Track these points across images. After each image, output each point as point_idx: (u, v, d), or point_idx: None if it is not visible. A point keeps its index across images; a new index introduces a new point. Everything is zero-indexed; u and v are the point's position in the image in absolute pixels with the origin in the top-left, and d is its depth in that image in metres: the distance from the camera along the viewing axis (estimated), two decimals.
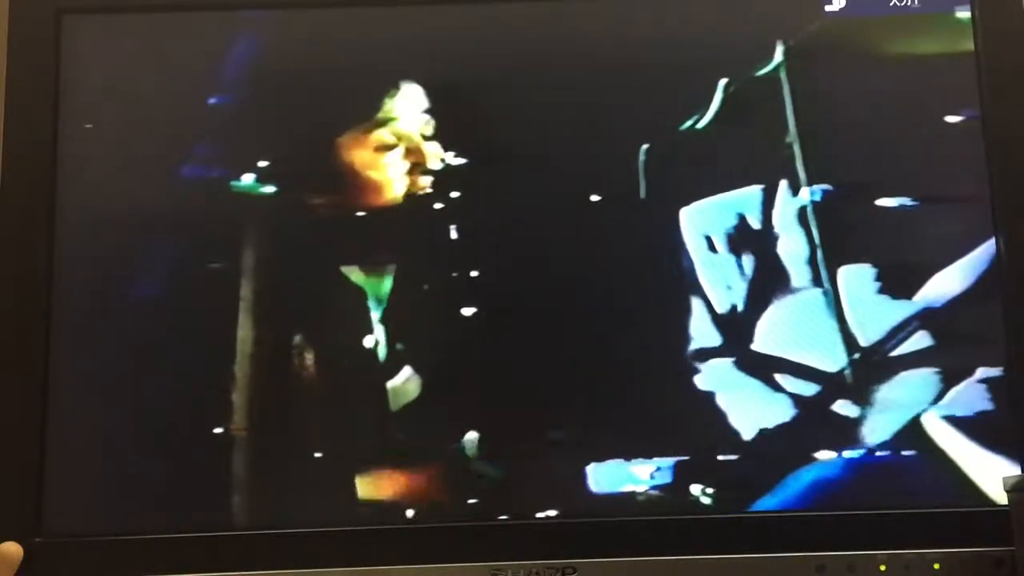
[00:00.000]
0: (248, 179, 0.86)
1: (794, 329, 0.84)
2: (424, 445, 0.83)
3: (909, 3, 0.88)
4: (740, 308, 0.84)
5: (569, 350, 0.84)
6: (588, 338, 0.84)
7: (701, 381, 0.83)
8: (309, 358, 0.84)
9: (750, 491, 0.81)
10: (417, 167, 0.86)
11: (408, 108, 0.87)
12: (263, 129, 0.88)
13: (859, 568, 0.78)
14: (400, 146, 0.87)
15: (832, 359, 0.83)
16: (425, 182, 0.86)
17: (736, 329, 0.84)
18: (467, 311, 0.84)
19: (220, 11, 0.89)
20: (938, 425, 0.82)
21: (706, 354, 0.83)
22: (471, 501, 0.82)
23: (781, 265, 0.85)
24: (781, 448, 0.82)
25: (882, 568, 0.78)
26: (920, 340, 0.83)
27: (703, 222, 0.85)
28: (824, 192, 0.85)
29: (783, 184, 0.85)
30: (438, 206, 0.86)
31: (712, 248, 0.85)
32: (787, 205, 0.85)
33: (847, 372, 0.83)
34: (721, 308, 0.84)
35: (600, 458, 0.82)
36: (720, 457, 0.82)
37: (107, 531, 0.81)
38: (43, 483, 0.81)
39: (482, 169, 0.86)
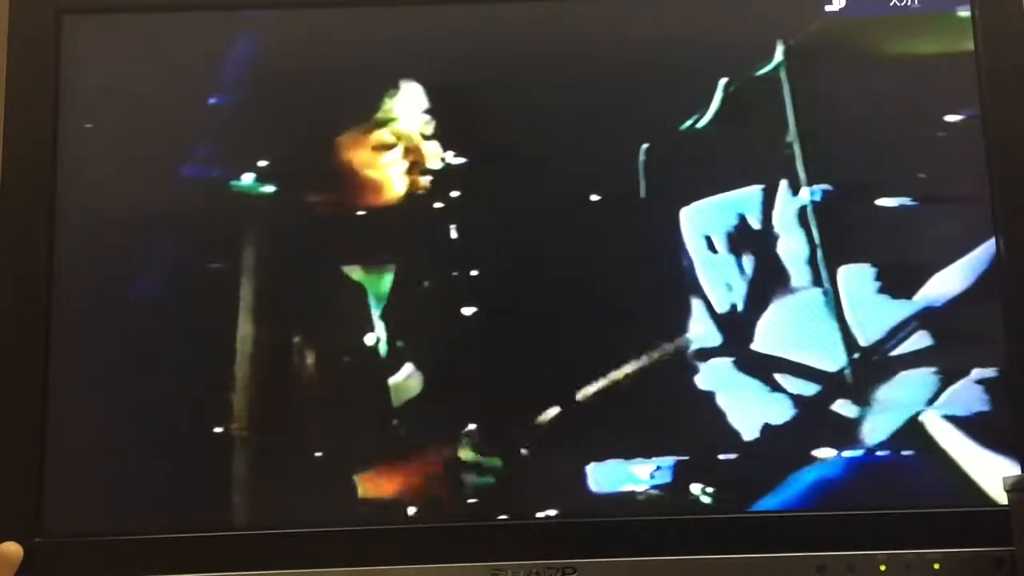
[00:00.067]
0: (248, 179, 0.86)
1: (794, 329, 0.84)
2: (424, 445, 0.83)
3: (909, 3, 0.88)
4: (740, 308, 0.84)
5: (569, 350, 0.84)
6: (588, 338, 0.84)
7: (701, 381, 0.83)
8: (309, 357, 0.84)
9: (750, 491, 0.81)
10: (417, 167, 0.86)
11: (408, 108, 0.87)
12: (263, 129, 0.88)
13: (859, 568, 0.78)
14: (400, 146, 0.87)
15: (832, 359, 0.83)
16: (425, 182, 0.86)
17: (736, 329, 0.84)
18: (467, 310, 0.84)
19: (220, 11, 0.89)
20: (938, 425, 0.82)
21: (706, 354, 0.83)
22: (471, 501, 0.82)
23: (781, 265, 0.85)
24: (781, 448, 0.82)
25: (882, 568, 0.78)
26: (920, 340, 0.83)
27: (703, 222, 0.85)
28: (824, 192, 0.85)
29: (783, 184, 0.85)
30: (438, 206, 0.86)
31: (712, 248, 0.85)
32: (787, 205, 0.85)
33: (847, 372, 0.83)
34: (721, 308, 0.84)
35: (600, 458, 0.82)
36: (720, 457, 0.82)
37: (107, 531, 0.81)
38: (43, 483, 0.81)
39: (482, 169, 0.86)
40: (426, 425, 0.83)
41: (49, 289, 0.84)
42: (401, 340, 0.84)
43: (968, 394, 0.82)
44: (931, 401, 0.82)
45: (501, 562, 0.79)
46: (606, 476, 0.82)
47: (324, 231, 0.86)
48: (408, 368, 0.83)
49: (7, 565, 0.78)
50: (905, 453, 0.82)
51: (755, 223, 0.85)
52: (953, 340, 0.83)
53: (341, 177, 0.86)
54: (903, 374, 0.83)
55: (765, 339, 0.84)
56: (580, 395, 0.83)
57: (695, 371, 0.83)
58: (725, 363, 0.83)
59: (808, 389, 0.83)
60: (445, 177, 0.86)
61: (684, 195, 0.85)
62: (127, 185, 0.87)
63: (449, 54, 0.88)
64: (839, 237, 0.85)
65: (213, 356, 0.83)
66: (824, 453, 0.82)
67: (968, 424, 0.82)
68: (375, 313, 0.84)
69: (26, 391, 0.82)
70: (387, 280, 0.85)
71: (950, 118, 0.86)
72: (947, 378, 0.82)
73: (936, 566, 0.78)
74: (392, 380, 0.83)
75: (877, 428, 0.82)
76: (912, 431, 0.82)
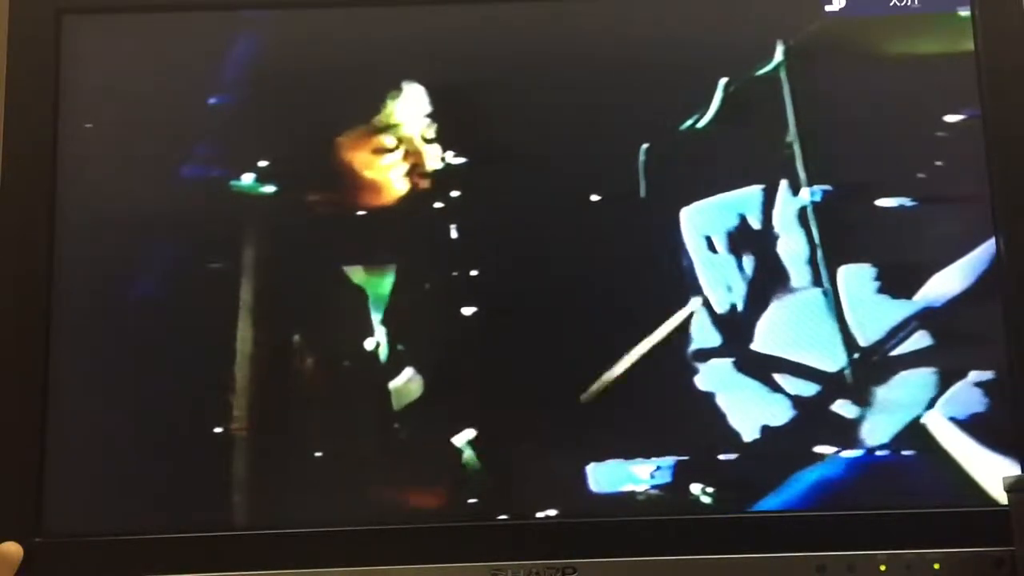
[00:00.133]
0: (248, 179, 0.86)
1: (794, 329, 0.84)
2: (424, 444, 0.83)
3: (909, 3, 0.88)
4: (740, 308, 0.84)
5: (569, 350, 0.84)
6: (588, 338, 0.84)
7: (701, 381, 0.83)
8: (309, 358, 0.84)
9: (750, 491, 0.81)
10: (417, 167, 0.86)
11: (408, 108, 0.87)
12: (263, 129, 0.88)
13: (859, 568, 0.78)
14: (400, 146, 0.87)
15: (832, 359, 0.83)
16: (425, 182, 0.86)
17: (736, 329, 0.84)
18: (467, 311, 0.84)
19: (220, 11, 0.89)
20: (938, 425, 0.82)
21: (706, 354, 0.83)
22: (471, 501, 0.82)
23: (781, 265, 0.85)
24: (781, 448, 0.82)
25: (882, 568, 0.78)
26: (920, 340, 0.83)
27: (703, 222, 0.85)
28: (824, 192, 0.85)
29: (783, 184, 0.85)
30: (438, 206, 0.86)
31: (712, 248, 0.85)
32: (787, 205, 0.85)
33: (847, 372, 0.83)
34: (721, 308, 0.84)
35: (600, 458, 0.82)
36: (720, 457, 0.82)
37: (107, 531, 0.81)
38: (43, 483, 0.81)
39: (482, 169, 0.86)
40: (426, 425, 0.83)
41: (49, 289, 0.84)
42: (401, 339, 0.84)
43: (968, 394, 0.82)
44: (931, 401, 0.82)
45: (501, 562, 0.79)
46: (606, 476, 0.82)
47: (324, 231, 0.86)
48: (409, 371, 0.83)
49: (7, 565, 0.78)
50: (905, 453, 0.82)
51: (755, 223, 0.85)
52: (953, 340, 0.83)
53: (341, 177, 0.86)
54: (903, 374, 0.83)
55: (765, 339, 0.84)
56: (580, 395, 0.83)
57: (695, 371, 0.83)
58: (725, 363, 0.83)
59: (808, 389, 0.83)
60: (445, 177, 0.86)
61: (684, 195, 0.85)
62: (127, 185, 0.87)
63: (449, 54, 0.88)
64: (839, 237, 0.85)
65: (213, 356, 0.83)
66: (824, 453, 0.82)
67: (968, 424, 0.82)
68: (375, 317, 0.84)
69: (26, 391, 0.82)
70: (387, 282, 0.85)
71: (950, 118, 0.86)
72: (947, 378, 0.82)
73: (936, 566, 0.78)
74: (392, 383, 0.83)
75: (877, 428, 0.82)
76: (912, 431, 0.82)
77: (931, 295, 0.84)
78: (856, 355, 0.83)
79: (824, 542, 0.79)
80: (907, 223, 0.85)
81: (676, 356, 0.83)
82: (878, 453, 0.82)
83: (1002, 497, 0.78)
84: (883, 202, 0.85)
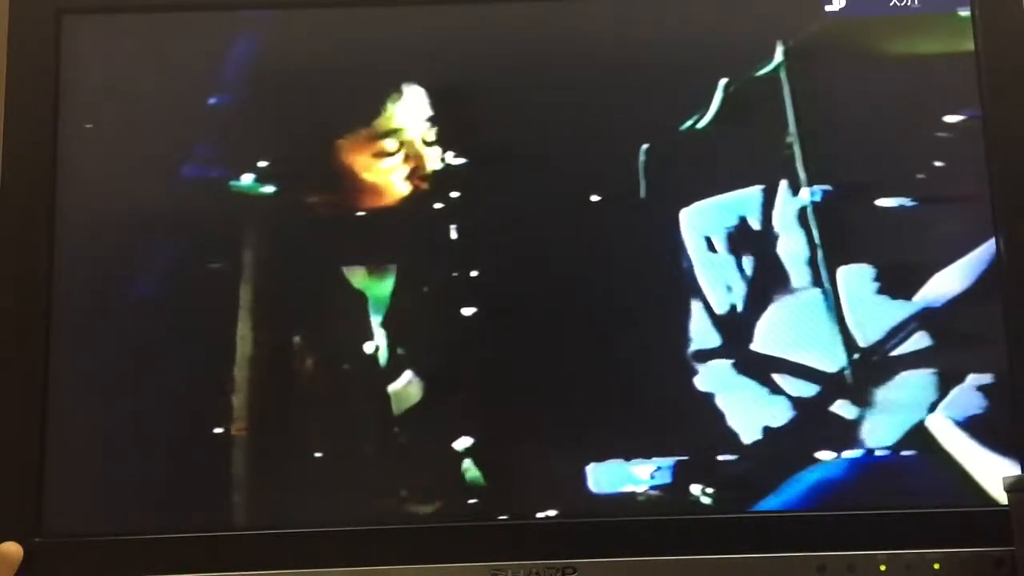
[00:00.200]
0: (248, 179, 0.86)
1: (794, 329, 0.84)
2: (424, 444, 0.83)
3: (909, 3, 0.88)
4: (740, 308, 0.84)
5: (569, 350, 0.84)
6: (588, 338, 0.84)
7: (701, 381, 0.83)
8: (309, 358, 0.84)
9: (750, 491, 0.81)
10: (417, 167, 0.86)
11: (408, 108, 0.87)
12: (263, 129, 0.88)
13: (859, 568, 0.78)
14: (400, 146, 0.87)
15: (832, 359, 0.83)
16: (425, 182, 0.86)
17: (736, 329, 0.84)
18: (467, 311, 0.84)
19: (220, 11, 0.89)
20: (938, 425, 0.82)
21: (706, 355, 0.83)
22: (471, 501, 0.82)
23: (781, 265, 0.85)
24: (781, 448, 0.82)
25: (882, 568, 0.78)
26: (920, 340, 0.83)
27: (703, 222, 0.85)
28: (824, 192, 0.85)
29: (783, 184, 0.85)
30: (438, 206, 0.86)
31: (712, 248, 0.85)
32: (787, 205, 0.85)
33: (847, 372, 0.83)
34: (721, 309, 0.84)
35: (600, 458, 0.82)
36: (720, 457, 0.82)
37: (107, 531, 0.81)
38: (43, 483, 0.81)
39: (482, 169, 0.86)
40: (426, 425, 0.83)
41: (49, 289, 0.84)
42: (401, 340, 0.84)
43: (968, 394, 0.82)
44: (930, 401, 0.82)
45: (501, 562, 0.79)
46: (606, 476, 0.82)
47: (324, 232, 0.86)
48: (408, 372, 0.83)
49: (7, 565, 0.78)
50: (905, 453, 0.82)
51: (755, 223, 0.85)
52: (953, 340, 0.83)
53: (341, 178, 0.86)
54: (903, 375, 0.83)
55: (765, 340, 0.84)
56: (580, 395, 0.83)
57: (695, 372, 0.83)
58: (725, 364, 0.83)
59: (808, 390, 0.83)
60: (445, 177, 0.86)
61: (684, 195, 0.85)
62: (127, 185, 0.87)
63: (449, 54, 0.88)
64: (839, 237, 0.85)
65: (213, 356, 0.83)
66: (824, 453, 0.82)
67: (968, 424, 0.82)
68: (375, 320, 0.84)
69: (26, 391, 0.82)
70: (387, 283, 0.85)
71: (950, 118, 0.86)
72: (947, 378, 0.82)
73: (936, 566, 0.78)
74: (392, 385, 0.83)
75: (876, 428, 0.82)
76: (912, 431, 0.82)
77: (931, 295, 0.84)
78: (856, 355, 0.83)
79: (824, 542, 0.79)
80: (907, 223, 0.85)
81: (676, 356, 0.83)
82: (878, 453, 0.82)
83: (1002, 497, 0.78)
84: (883, 202, 0.85)
